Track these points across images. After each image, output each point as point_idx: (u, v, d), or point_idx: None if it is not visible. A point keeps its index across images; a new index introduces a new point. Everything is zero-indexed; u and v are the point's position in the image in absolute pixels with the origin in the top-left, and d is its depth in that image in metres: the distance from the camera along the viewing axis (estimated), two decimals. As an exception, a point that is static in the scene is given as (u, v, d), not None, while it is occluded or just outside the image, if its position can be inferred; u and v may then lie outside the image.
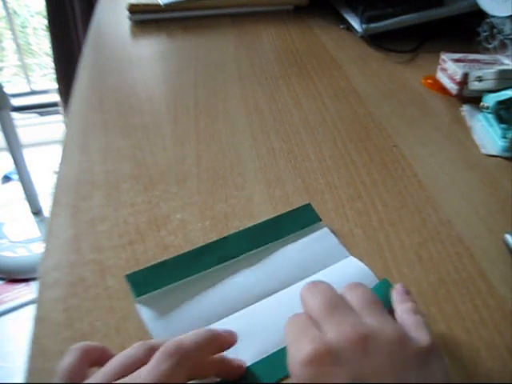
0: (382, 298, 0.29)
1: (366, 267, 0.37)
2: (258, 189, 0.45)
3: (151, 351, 0.25)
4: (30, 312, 1.39)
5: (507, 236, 0.40)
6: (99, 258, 0.37)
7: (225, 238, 0.39)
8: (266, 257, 0.38)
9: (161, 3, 0.78)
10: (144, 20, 0.80)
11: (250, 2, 0.84)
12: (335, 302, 0.27)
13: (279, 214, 0.41)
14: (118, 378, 0.24)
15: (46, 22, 1.60)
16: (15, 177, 1.73)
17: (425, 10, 0.76)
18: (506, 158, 0.51)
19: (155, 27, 0.79)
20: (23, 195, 1.61)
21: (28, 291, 1.46)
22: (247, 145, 0.51)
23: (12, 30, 2.03)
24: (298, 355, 0.24)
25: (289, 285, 0.36)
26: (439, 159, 0.50)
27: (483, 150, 0.52)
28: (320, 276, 0.36)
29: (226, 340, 0.29)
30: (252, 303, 0.34)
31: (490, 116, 0.55)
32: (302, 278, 0.36)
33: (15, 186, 1.75)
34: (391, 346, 0.25)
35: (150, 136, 0.52)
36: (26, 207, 1.64)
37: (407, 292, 0.31)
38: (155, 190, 0.44)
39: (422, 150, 0.51)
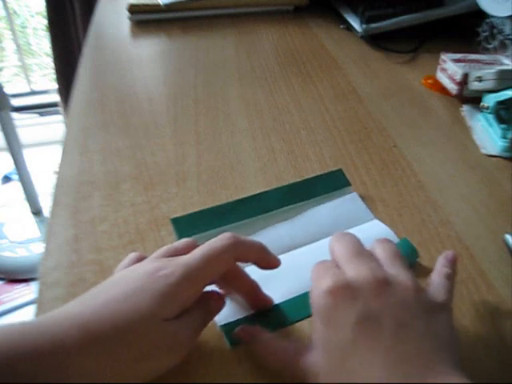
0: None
1: (389, 229, 0.40)
2: (258, 189, 0.45)
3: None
4: (30, 312, 1.39)
5: (507, 236, 0.40)
6: (99, 257, 0.37)
7: (263, 192, 0.42)
8: (298, 213, 0.41)
9: (161, 3, 0.78)
10: (144, 20, 0.80)
11: (250, 2, 0.84)
12: (359, 250, 0.29)
13: (313, 175, 0.44)
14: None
15: (46, 21, 1.60)
16: (15, 177, 1.73)
17: (425, 10, 0.76)
18: (506, 158, 0.51)
19: (155, 27, 0.79)
20: (23, 195, 1.61)
21: (28, 291, 1.46)
22: (247, 145, 0.51)
23: (12, 30, 2.03)
24: (319, 287, 0.27)
25: (317, 240, 0.39)
26: (439, 159, 0.50)
27: (483, 150, 0.52)
28: None
29: (272, 260, 0.33)
30: (283, 253, 0.37)
31: (490, 116, 0.55)
32: (329, 235, 0.36)
33: (15, 186, 1.75)
34: (404, 292, 0.27)
35: (150, 136, 0.52)
36: (26, 207, 1.64)
37: (454, 261, 0.32)
38: (155, 190, 0.44)
39: (422, 150, 0.51)
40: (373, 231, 0.40)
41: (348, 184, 0.44)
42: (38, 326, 0.25)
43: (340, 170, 0.45)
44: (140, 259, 0.31)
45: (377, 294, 0.26)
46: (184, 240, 0.32)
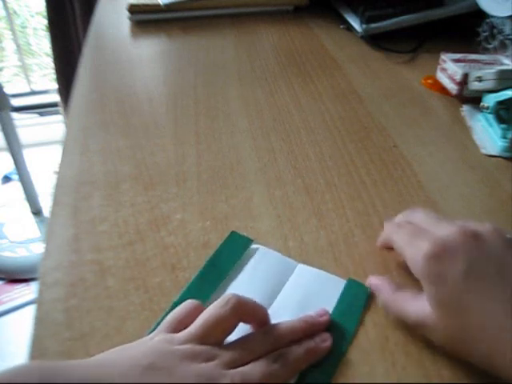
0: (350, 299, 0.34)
1: (320, 271, 0.37)
2: (258, 189, 0.45)
3: (239, 314, 0.30)
4: (30, 312, 1.39)
5: (507, 236, 0.40)
6: (99, 257, 0.37)
7: (187, 289, 0.35)
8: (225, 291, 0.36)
9: (161, 3, 0.78)
10: (144, 20, 0.80)
11: (250, 2, 0.84)
12: (436, 216, 0.33)
13: (212, 254, 0.38)
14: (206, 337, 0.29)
15: (46, 21, 1.60)
16: (15, 177, 1.73)
17: (425, 10, 0.76)
18: (506, 158, 0.51)
19: (155, 27, 0.79)
20: (23, 195, 1.61)
21: (28, 291, 1.46)
22: (247, 145, 0.51)
23: (12, 30, 2.03)
24: (419, 253, 0.29)
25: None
26: (439, 159, 0.50)
27: (483, 150, 0.52)
28: (285, 294, 0.35)
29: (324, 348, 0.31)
30: None
31: (490, 116, 0.55)
32: (267, 303, 0.34)
33: (15, 186, 1.75)
34: (494, 239, 0.30)
35: (150, 136, 0.52)
36: (26, 207, 1.64)
37: None
38: (155, 190, 0.44)
39: (422, 150, 0.51)
40: (307, 279, 0.36)
41: (249, 241, 0.39)
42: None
43: (233, 232, 0.40)
44: (195, 313, 0.30)
45: (475, 245, 0.29)
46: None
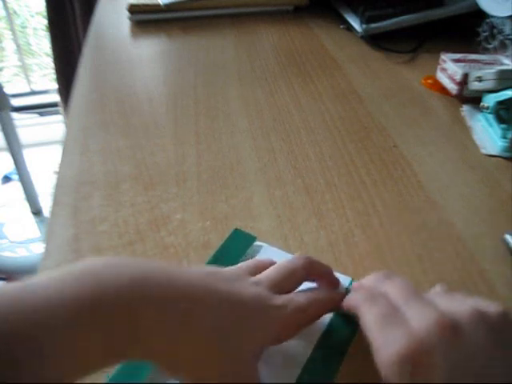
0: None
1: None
2: (258, 189, 0.45)
3: (309, 268, 0.32)
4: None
5: (507, 236, 0.40)
6: (99, 258, 0.37)
7: None
8: None
9: (161, 3, 0.78)
10: (144, 20, 0.80)
11: (250, 2, 0.84)
12: (411, 294, 0.28)
13: (216, 251, 0.38)
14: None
15: (46, 21, 1.60)
16: (15, 177, 1.73)
17: (425, 10, 0.76)
18: (506, 158, 0.51)
19: (155, 27, 0.79)
20: (23, 195, 1.61)
21: (28, 291, 1.45)
22: (247, 145, 0.51)
23: (12, 30, 2.03)
24: (391, 348, 0.25)
25: None
26: (439, 159, 0.50)
27: (483, 150, 0.52)
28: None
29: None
30: None
31: (490, 116, 0.55)
32: None
33: (15, 186, 1.75)
34: (473, 325, 0.25)
35: (150, 136, 0.52)
36: (26, 207, 1.64)
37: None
38: (155, 190, 0.44)
39: (422, 150, 0.51)
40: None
41: (253, 238, 0.39)
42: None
43: (237, 230, 0.40)
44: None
45: (454, 344, 0.24)
46: (299, 259, 0.32)
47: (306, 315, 0.30)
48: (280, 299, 0.29)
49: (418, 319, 0.25)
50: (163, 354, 0.25)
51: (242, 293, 0.28)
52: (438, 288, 0.32)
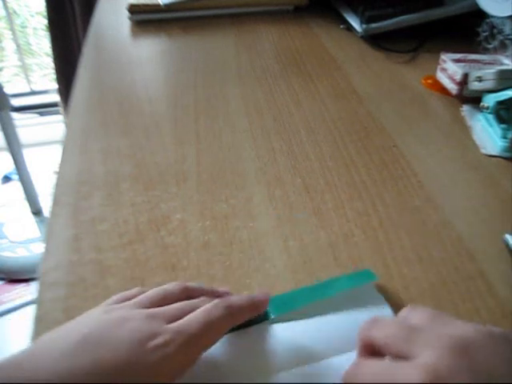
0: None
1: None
2: (258, 189, 0.45)
3: (186, 291, 0.30)
4: (30, 312, 1.39)
5: (507, 236, 0.40)
6: (99, 257, 0.37)
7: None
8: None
9: (161, 3, 0.78)
10: (144, 20, 0.80)
11: (250, 2, 0.84)
12: (410, 327, 0.25)
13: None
14: (153, 307, 0.27)
15: (46, 21, 1.60)
16: (15, 177, 1.73)
17: (425, 9, 0.76)
18: (506, 158, 0.51)
19: (155, 27, 0.79)
20: (23, 195, 1.61)
21: (28, 291, 1.46)
22: (247, 145, 0.51)
23: (12, 30, 2.03)
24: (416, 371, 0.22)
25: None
26: (439, 159, 0.50)
27: (483, 150, 0.52)
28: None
29: (262, 303, 0.31)
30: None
31: (490, 116, 0.55)
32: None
33: (15, 186, 1.75)
34: (482, 342, 0.24)
35: (150, 136, 0.52)
36: (26, 207, 1.64)
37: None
38: (155, 190, 0.44)
39: (422, 150, 0.51)
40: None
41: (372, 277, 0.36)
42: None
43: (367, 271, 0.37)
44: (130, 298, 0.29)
45: (466, 366, 0.23)
46: (175, 284, 0.30)
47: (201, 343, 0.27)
48: (166, 334, 0.25)
49: (425, 353, 0.23)
50: None
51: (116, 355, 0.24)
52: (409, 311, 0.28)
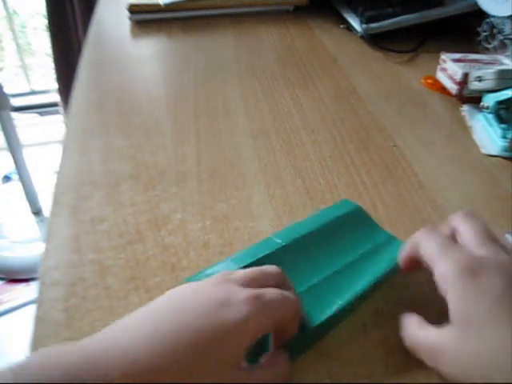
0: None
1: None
2: (258, 189, 0.45)
3: (281, 276, 0.31)
4: (29, 312, 1.39)
5: (507, 236, 0.40)
6: (99, 257, 0.37)
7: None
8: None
9: (161, 3, 0.78)
10: (144, 20, 0.80)
11: (250, 2, 0.84)
12: (487, 234, 0.32)
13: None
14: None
15: (46, 21, 1.60)
16: (15, 177, 1.73)
17: (425, 10, 0.76)
18: (506, 158, 0.51)
19: (155, 27, 0.79)
20: (23, 195, 1.61)
21: (28, 291, 1.46)
22: (247, 145, 0.51)
23: (12, 30, 2.03)
24: (453, 265, 0.28)
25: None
26: (439, 159, 0.50)
27: (483, 150, 0.52)
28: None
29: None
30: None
31: (490, 116, 0.55)
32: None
33: (15, 186, 1.75)
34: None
35: (150, 136, 0.52)
36: (26, 207, 1.64)
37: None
38: (155, 190, 0.44)
39: (422, 150, 0.51)
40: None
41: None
42: (82, 353, 0.24)
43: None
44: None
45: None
46: (273, 269, 0.32)
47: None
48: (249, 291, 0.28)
49: (484, 251, 0.30)
50: None
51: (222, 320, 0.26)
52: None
